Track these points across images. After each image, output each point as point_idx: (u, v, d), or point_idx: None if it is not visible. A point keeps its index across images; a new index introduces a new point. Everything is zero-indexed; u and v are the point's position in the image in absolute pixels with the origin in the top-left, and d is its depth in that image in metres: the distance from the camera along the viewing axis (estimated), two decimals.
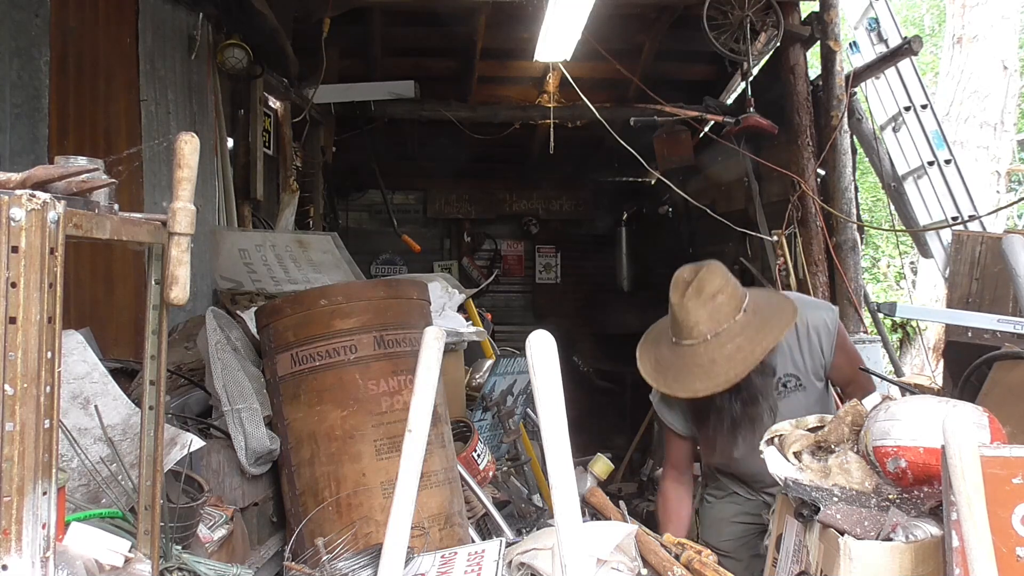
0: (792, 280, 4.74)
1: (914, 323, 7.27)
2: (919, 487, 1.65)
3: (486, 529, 2.44)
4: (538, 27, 4.46)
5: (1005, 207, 6.28)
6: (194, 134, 1.19)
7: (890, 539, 1.53)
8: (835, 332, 2.50)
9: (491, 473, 2.70)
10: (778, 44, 4.97)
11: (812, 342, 2.48)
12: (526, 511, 2.70)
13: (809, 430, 1.98)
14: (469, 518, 2.37)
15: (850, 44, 5.04)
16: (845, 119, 4.70)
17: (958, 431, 1.40)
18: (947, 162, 4.72)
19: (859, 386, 2.62)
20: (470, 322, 3.58)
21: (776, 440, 1.95)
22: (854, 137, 4.89)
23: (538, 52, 4.77)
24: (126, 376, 2.29)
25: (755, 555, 2.63)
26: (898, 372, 5.19)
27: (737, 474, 2.66)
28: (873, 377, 2.74)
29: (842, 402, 2.57)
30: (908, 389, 2.99)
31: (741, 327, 2.25)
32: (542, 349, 1.45)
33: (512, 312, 8.61)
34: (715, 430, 2.40)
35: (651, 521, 4.63)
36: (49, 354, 1.00)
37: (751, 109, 4.90)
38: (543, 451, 1.48)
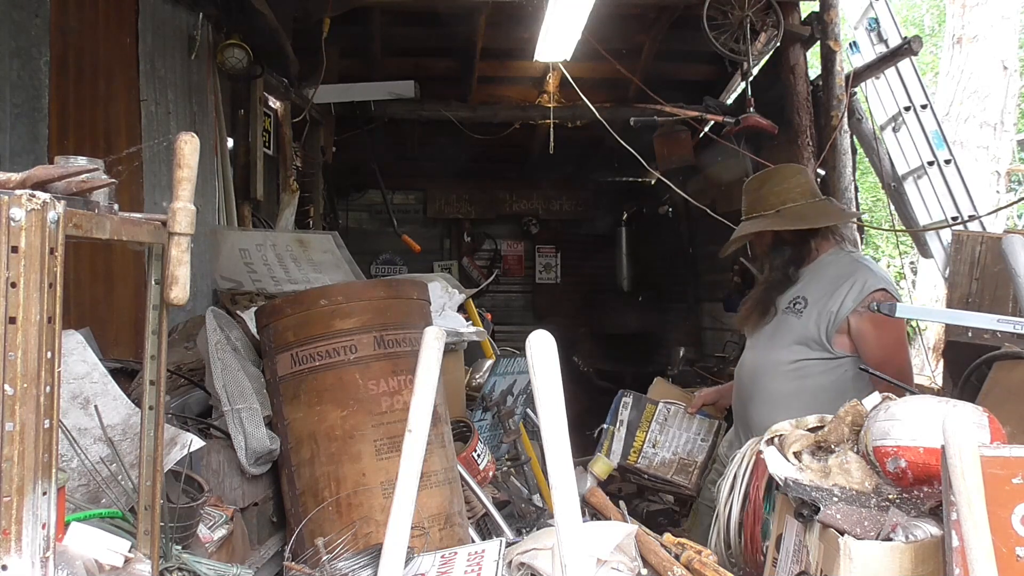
0: None
1: (914, 323, 7.27)
2: (919, 487, 1.65)
3: (486, 529, 2.44)
4: (538, 27, 4.46)
5: (1005, 207, 6.28)
6: (194, 134, 1.19)
7: (890, 539, 1.53)
8: (865, 294, 2.60)
9: (491, 473, 2.70)
10: (778, 44, 4.97)
11: (841, 290, 2.67)
12: (526, 511, 2.70)
13: (809, 430, 1.98)
14: (469, 518, 2.37)
15: (850, 44, 5.03)
16: (845, 119, 4.70)
17: (958, 431, 1.40)
18: (947, 162, 4.72)
19: (890, 372, 2.54)
20: (470, 322, 3.57)
21: (776, 440, 1.95)
22: (854, 137, 4.89)
23: (538, 52, 4.77)
24: (126, 376, 2.29)
25: None
26: None
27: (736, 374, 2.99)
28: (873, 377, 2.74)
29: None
30: (908, 389, 2.99)
31: (766, 219, 2.80)
32: (542, 349, 1.44)
33: (512, 312, 8.62)
34: (745, 304, 2.95)
35: (651, 521, 4.63)
36: (49, 354, 1.00)
37: (751, 109, 4.89)
38: (543, 451, 1.48)
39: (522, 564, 1.68)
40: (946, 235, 4.60)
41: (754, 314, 2.88)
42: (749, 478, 2.08)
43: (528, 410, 3.39)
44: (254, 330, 2.46)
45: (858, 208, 4.87)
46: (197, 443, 1.76)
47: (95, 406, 1.75)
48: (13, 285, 0.96)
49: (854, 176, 4.80)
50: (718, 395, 3.15)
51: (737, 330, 3.14)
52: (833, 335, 2.64)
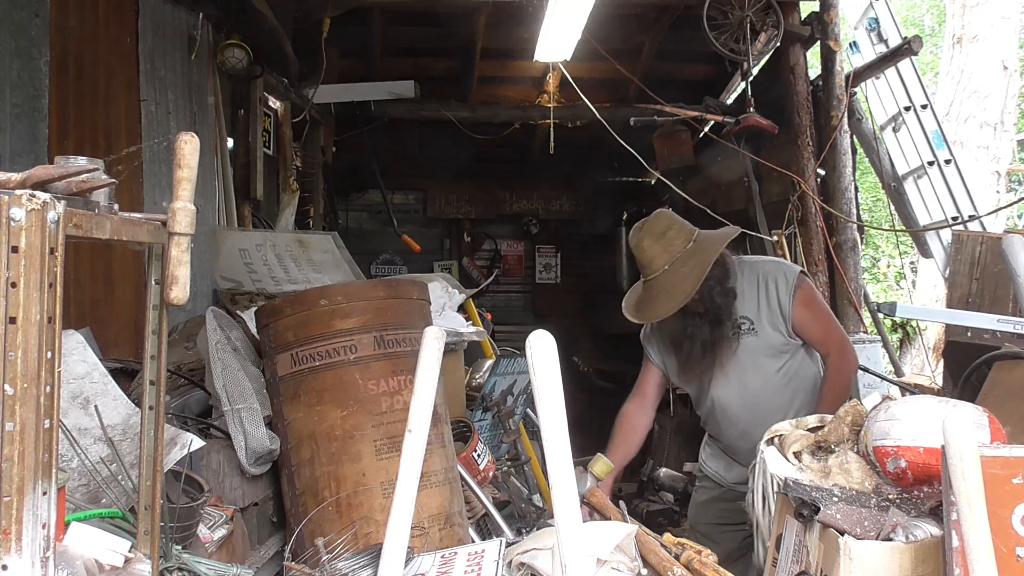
0: None
1: (914, 323, 7.27)
2: (919, 487, 1.66)
3: (486, 529, 2.44)
4: (538, 27, 4.46)
5: (1005, 207, 6.28)
6: (194, 134, 1.19)
7: (890, 539, 1.53)
8: (793, 284, 2.69)
9: (491, 473, 2.70)
10: (778, 44, 4.97)
11: (769, 291, 2.71)
12: (526, 511, 2.70)
13: (809, 430, 1.98)
14: (469, 518, 2.37)
15: (850, 44, 5.04)
16: (845, 119, 4.70)
17: (958, 431, 1.40)
18: (947, 162, 4.73)
19: (833, 351, 2.72)
20: (470, 322, 3.58)
21: (776, 440, 1.95)
22: (854, 137, 4.89)
23: (538, 52, 4.77)
24: (126, 376, 2.29)
25: (736, 547, 2.80)
26: (898, 372, 5.19)
27: (714, 419, 2.88)
28: (872, 376, 2.76)
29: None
30: (908, 389, 2.99)
31: (691, 254, 2.63)
32: (542, 349, 1.44)
33: (512, 312, 8.61)
34: (689, 355, 2.74)
35: (651, 521, 4.63)
36: (49, 354, 1.00)
37: (751, 109, 4.89)
38: (543, 451, 1.48)
39: (522, 564, 1.68)
40: (946, 235, 4.60)
41: (713, 356, 2.72)
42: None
43: (528, 410, 3.39)
44: (254, 330, 2.46)
45: (858, 208, 4.87)
46: (197, 443, 1.76)
47: (95, 406, 1.75)
48: (13, 285, 0.96)
49: (854, 176, 4.80)
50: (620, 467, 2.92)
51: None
52: (790, 329, 2.73)
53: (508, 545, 1.79)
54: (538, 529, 2.17)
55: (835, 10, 4.85)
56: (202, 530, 1.79)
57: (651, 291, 2.68)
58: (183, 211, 1.17)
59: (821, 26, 4.80)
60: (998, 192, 7.25)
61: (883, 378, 3.61)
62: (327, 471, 2.12)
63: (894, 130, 4.90)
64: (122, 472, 1.61)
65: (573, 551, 1.36)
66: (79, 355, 1.86)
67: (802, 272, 2.78)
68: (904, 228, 5.11)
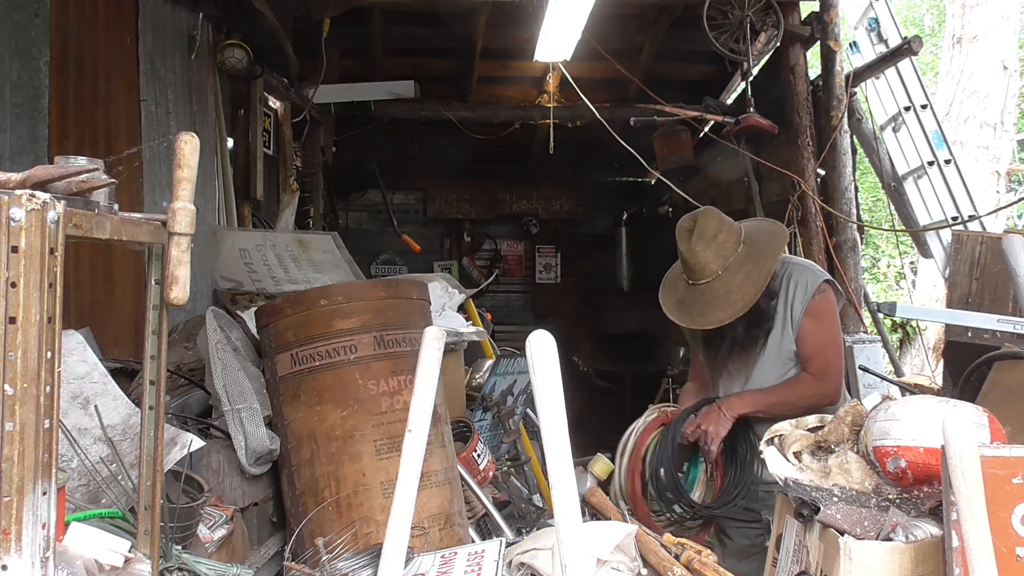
0: None
1: (914, 323, 7.27)
2: (919, 487, 1.66)
3: (486, 529, 2.44)
4: (538, 27, 4.46)
5: (1005, 207, 6.28)
6: (194, 134, 1.19)
7: (890, 539, 1.53)
8: (811, 293, 2.59)
9: (491, 473, 2.70)
10: (778, 44, 4.97)
11: (789, 295, 2.62)
12: (526, 511, 2.70)
13: (809, 430, 1.98)
14: (469, 518, 2.37)
15: (850, 44, 5.04)
16: (845, 119, 4.70)
17: (958, 431, 1.40)
18: (947, 162, 4.73)
19: (813, 368, 2.58)
20: (470, 322, 3.58)
21: (776, 440, 1.95)
22: (854, 137, 4.89)
23: (538, 52, 4.78)
24: (126, 376, 2.29)
25: (749, 543, 2.76)
26: (898, 372, 5.20)
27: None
28: (872, 376, 2.75)
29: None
30: (908, 389, 2.99)
31: (744, 257, 2.54)
32: (542, 349, 1.44)
33: (512, 312, 8.61)
34: (715, 351, 2.67)
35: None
36: (49, 354, 1.00)
37: (751, 109, 4.89)
38: (543, 451, 1.48)
39: (522, 564, 1.68)
40: (946, 235, 4.60)
41: (737, 351, 2.66)
42: (640, 432, 2.40)
43: (528, 410, 3.39)
44: (254, 330, 2.46)
45: (858, 208, 4.87)
46: (197, 443, 1.76)
47: (95, 406, 1.75)
48: (13, 285, 0.96)
49: (854, 176, 4.80)
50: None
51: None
52: (795, 336, 2.63)
53: (508, 545, 1.79)
54: (538, 529, 2.17)
55: (835, 10, 4.85)
56: (202, 530, 1.79)
57: (702, 295, 2.56)
58: (183, 211, 1.17)
59: (821, 26, 4.80)
60: (998, 192, 7.25)
61: (883, 378, 3.61)
62: (327, 471, 2.12)
63: (894, 130, 4.91)
64: (122, 472, 1.61)
65: (573, 551, 1.36)
66: (79, 355, 1.86)
67: (827, 282, 2.64)
68: (904, 228, 5.11)
